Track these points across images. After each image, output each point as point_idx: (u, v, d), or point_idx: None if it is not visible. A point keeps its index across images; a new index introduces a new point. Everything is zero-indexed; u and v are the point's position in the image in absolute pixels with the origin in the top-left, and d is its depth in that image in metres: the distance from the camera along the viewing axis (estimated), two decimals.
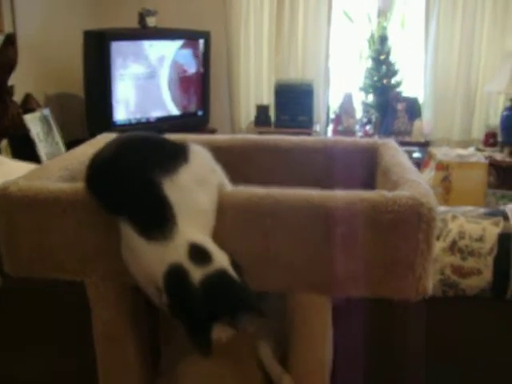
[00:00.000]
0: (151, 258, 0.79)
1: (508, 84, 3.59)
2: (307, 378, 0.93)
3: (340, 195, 0.81)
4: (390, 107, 3.94)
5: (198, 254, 0.79)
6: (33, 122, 2.94)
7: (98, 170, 0.88)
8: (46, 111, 3.10)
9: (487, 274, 1.41)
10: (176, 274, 0.77)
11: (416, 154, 4.06)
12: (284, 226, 0.82)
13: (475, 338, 1.42)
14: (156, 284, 0.79)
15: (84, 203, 0.87)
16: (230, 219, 0.86)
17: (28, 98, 3.05)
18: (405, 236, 0.80)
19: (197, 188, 0.85)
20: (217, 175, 0.92)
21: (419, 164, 3.83)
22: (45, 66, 3.35)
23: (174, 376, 1.05)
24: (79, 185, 0.89)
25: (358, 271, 0.82)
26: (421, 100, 4.06)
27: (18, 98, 2.85)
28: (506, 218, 1.49)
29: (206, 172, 0.90)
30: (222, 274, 0.80)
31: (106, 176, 0.86)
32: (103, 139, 1.13)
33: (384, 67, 4.01)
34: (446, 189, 3.32)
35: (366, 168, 1.15)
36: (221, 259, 0.81)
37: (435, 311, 1.46)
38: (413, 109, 3.98)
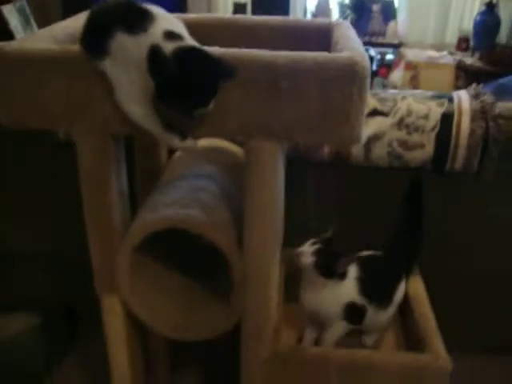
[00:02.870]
0: (138, 47, 0.93)
1: None
2: (261, 215, 1.10)
3: (288, 54, 0.96)
4: (365, 8, 4.00)
5: (171, 35, 0.94)
6: (10, 14, 2.97)
7: (93, 18, 1.02)
8: (23, 2, 3.11)
9: (429, 149, 1.58)
10: (153, 52, 0.92)
11: (389, 56, 4.15)
12: (241, 82, 0.97)
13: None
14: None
15: (74, 59, 0.99)
16: None
17: None
18: (341, 89, 0.95)
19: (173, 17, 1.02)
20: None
21: (391, 66, 3.94)
22: None
23: None
24: (69, 46, 1.03)
25: (302, 119, 0.98)
26: (396, 3, 4.11)
27: None
28: (450, 100, 1.64)
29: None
30: (194, 48, 0.95)
31: (100, 16, 1.00)
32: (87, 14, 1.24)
33: None
34: (414, 88, 3.46)
35: (322, 45, 1.28)
36: (193, 42, 0.96)
37: (383, 181, 1.65)
38: (388, 10, 4.04)
